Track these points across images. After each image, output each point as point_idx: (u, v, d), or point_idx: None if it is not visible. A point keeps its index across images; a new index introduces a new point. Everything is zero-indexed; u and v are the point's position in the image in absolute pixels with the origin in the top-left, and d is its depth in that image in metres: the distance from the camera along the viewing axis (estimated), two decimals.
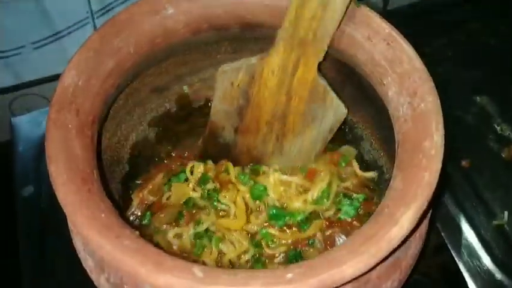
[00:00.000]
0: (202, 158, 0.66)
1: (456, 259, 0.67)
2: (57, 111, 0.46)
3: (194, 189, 0.63)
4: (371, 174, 0.65)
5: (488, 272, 0.66)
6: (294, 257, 0.60)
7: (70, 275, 0.60)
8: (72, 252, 0.50)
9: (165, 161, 0.69)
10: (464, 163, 0.76)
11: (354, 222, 0.62)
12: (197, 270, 0.38)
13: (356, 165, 0.66)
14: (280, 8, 0.57)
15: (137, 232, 0.42)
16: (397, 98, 0.49)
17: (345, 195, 0.63)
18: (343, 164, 0.66)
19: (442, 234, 0.69)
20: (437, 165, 0.42)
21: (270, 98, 0.58)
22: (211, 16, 0.57)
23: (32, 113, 0.81)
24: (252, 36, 0.62)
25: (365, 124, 0.66)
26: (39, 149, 0.74)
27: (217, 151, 0.66)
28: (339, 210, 0.63)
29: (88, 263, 0.49)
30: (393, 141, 0.57)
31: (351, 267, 0.38)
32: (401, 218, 0.40)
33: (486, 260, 0.67)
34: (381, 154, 0.64)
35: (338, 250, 0.40)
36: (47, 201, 0.70)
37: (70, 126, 0.46)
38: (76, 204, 0.41)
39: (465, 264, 0.67)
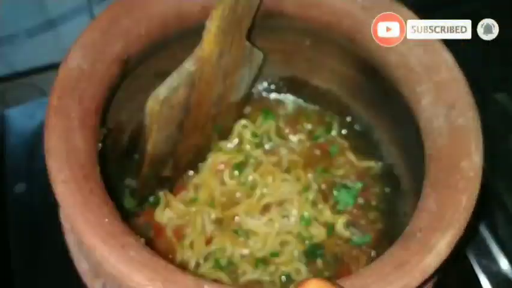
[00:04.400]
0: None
1: (474, 264, 0.65)
2: (60, 97, 0.40)
3: None
4: (370, 163, 0.62)
5: (506, 276, 0.64)
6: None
7: (63, 276, 0.54)
8: (66, 253, 0.46)
9: None
10: (483, 165, 0.72)
11: (355, 211, 0.60)
12: None
13: (351, 156, 0.63)
14: None
15: (142, 239, 0.38)
16: (431, 109, 0.45)
17: (341, 185, 0.61)
18: (335, 152, 0.63)
19: None
20: (475, 189, 0.39)
21: (210, 91, 0.53)
22: None
23: (25, 104, 0.76)
24: (268, 25, 0.58)
25: (383, 128, 0.62)
26: (33, 143, 0.70)
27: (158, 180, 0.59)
28: (337, 202, 0.60)
29: (82, 266, 0.45)
30: (414, 152, 0.55)
31: None
32: (437, 245, 0.37)
33: (504, 264, 0.65)
34: (398, 162, 0.61)
35: (366, 276, 0.36)
36: (40, 200, 0.64)
37: (72, 115, 0.41)
38: (78, 207, 0.36)
39: (483, 268, 0.65)
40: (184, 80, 0.48)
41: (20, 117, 0.74)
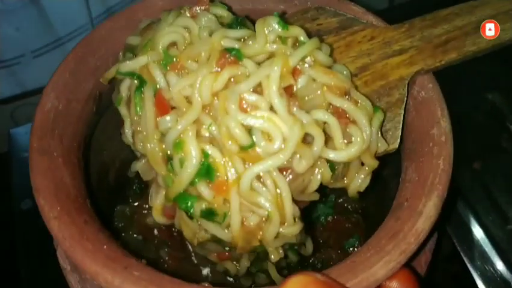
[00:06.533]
0: None
1: (469, 265, 0.65)
2: (40, 138, 0.41)
3: None
4: None
5: (502, 278, 0.64)
6: None
7: None
8: None
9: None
10: (475, 165, 0.72)
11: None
12: None
13: None
14: None
15: (143, 260, 0.39)
16: None
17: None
18: None
19: (454, 240, 0.66)
20: (449, 151, 0.41)
21: None
22: None
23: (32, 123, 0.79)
24: None
25: None
26: None
27: None
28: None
29: None
30: None
31: (382, 268, 0.36)
32: (425, 209, 0.38)
33: (500, 266, 0.65)
34: None
35: (365, 251, 0.37)
36: None
37: (55, 154, 0.41)
38: (75, 238, 0.37)
39: (478, 270, 0.65)
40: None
41: (26, 136, 0.74)
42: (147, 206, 0.59)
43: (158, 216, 0.45)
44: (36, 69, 0.83)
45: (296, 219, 0.41)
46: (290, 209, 0.40)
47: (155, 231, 0.59)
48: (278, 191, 0.39)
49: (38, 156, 0.40)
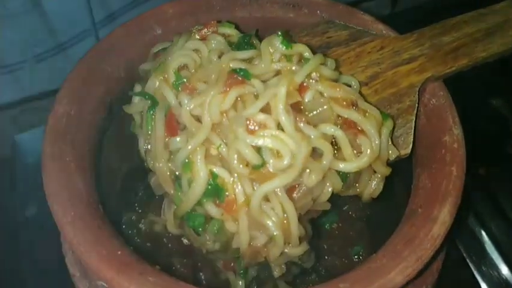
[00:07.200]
0: None
1: (475, 271, 0.65)
2: (53, 143, 0.41)
3: None
4: None
5: (508, 283, 0.64)
6: None
7: None
8: None
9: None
10: (480, 171, 0.72)
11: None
12: None
13: None
14: None
15: (157, 266, 0.38)
16: None
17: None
18: None
19: (460, 247, 0.67)
20: (462, 158, 0.42)
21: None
22: None
23: (35, 129, 0.78)
24: None
25: None
26: None
27: None
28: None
29: None
30: None
31: (399, 275, 0.36)
32: (439, 215, 0.38)
33: (505, 271, 0.65)
34: None
35: (381, 257, 0.37)
36: (51, 223, 0.66)
37: (67, 159, 0.41)
38: (89, 244, 0.36)
39: (484, 275, 0.65)
40: None
41: (31, 140, 0.76)
42: (154, 213, 0.59)
43: (172, 229, 0.46)
44: (39, 74, 0.83)
45: (302, 241, 0.42)
46: (296, 231, 0.40)
47: (164, 239, 0.58)
48: (285, 215, 0.40)
49: (51, 161, 0.40)
